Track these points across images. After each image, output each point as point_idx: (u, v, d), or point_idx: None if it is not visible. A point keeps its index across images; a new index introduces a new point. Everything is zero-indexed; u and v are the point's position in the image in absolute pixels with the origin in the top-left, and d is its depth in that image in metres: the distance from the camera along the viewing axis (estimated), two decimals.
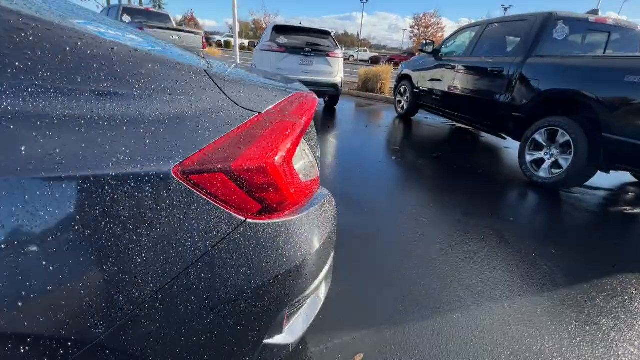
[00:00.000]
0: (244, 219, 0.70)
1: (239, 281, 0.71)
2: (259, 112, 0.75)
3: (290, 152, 0.78)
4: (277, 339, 0.90)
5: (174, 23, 10.87)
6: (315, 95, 0.97)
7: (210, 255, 0.66)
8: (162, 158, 0.59)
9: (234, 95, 0.75)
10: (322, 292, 1.10)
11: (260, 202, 0.72)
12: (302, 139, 0.89)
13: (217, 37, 40.67)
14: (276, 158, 0.72)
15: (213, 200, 0.65)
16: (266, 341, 0.85)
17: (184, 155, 0.62)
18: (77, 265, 0.53)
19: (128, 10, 9.80)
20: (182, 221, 0.62)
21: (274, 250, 0.76)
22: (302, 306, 0.99)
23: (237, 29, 9.98)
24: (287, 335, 0.94)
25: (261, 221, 0.73)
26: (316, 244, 0.88)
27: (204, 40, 9.65)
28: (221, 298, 0.69)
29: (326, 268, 1.02)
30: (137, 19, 9.10)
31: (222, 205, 0.66)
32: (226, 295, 0.69)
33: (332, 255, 1.10)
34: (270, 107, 0.79)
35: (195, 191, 0.63)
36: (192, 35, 9.18)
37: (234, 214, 0.68)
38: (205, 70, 0.74)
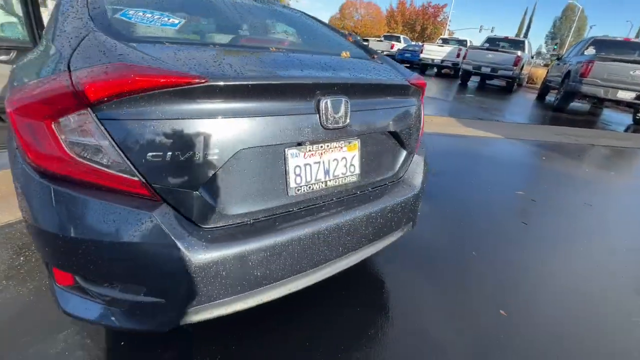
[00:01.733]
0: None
1: None
2: (67, 70, 0.79)
3: (45, 111, 0.77)
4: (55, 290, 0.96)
5: None
6: (138, 71, 0.77)
7: None
8: None
9: (81, 57, 0.83)
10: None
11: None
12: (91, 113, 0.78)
13: None
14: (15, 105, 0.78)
15: None
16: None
17: None
18: None
19: (597, 42, 8.50)
20: None
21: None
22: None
23: None
24: (62, 296, 0.95)
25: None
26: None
27: None
28: None
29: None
30: (601, 51, 7.91)
31: None
32: None
33: None
34: (80, 70, 0.79)
35: None
36: None
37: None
38: (98, 36, 0.90)
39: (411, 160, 1.44)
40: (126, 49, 0.86)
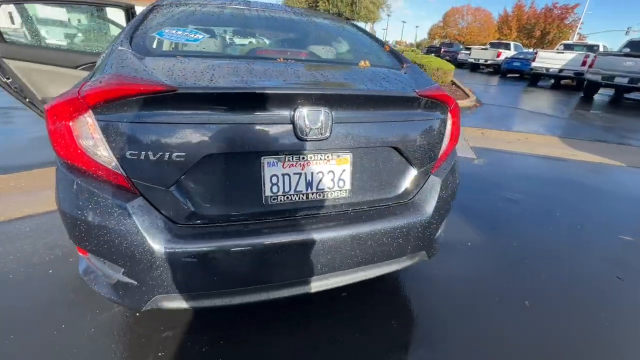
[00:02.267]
0: None
1: None
2: (86, 81, 0.98)
3: (68, 116, 0.93)
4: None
5: None
6: (118, 82, 0.90)
7: None
8: None
9: (101, 69, 1.02)
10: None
11: None
12: (94, 122, 0.91)
13: None
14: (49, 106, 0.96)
15: None
16: None
17: None
18: None
19: None
20: None
21: None
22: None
23: None
24: (80, 262, 1.16)
25: None
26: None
27: None
28: None
29: None
30: None
31: None
32: None
33: None
34: (91, 80, 0.96)
35: None
36: None
37: None
38: (119, 51, 1.07)
39: (425, 181, 1.27)
40: (131, 62, 1.00)
